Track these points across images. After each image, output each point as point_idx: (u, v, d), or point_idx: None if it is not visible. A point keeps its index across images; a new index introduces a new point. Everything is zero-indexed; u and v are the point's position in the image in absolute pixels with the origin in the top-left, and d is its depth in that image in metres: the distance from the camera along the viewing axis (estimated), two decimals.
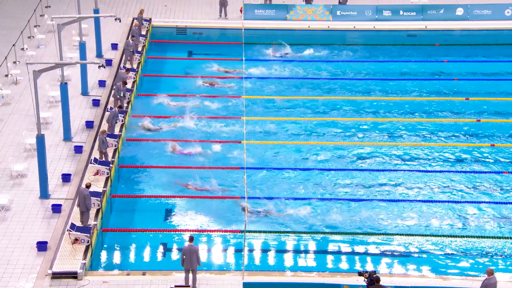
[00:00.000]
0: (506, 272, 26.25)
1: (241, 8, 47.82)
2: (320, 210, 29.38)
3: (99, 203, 27.83)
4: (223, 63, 42.21)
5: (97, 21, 40.49)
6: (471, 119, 36.98)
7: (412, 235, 27.90)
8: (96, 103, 36.35)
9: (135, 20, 44.44)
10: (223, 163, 32.53)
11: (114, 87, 35.53)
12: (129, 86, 37.23)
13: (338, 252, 27.34)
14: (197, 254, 23.78)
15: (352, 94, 39.57)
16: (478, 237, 27.83)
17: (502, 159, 33.41)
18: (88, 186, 26.92)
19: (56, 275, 24.52)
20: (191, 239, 23.95)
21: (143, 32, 43.95)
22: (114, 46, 42.73)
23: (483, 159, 33.34)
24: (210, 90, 39.31)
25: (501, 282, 24.53)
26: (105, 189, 29.27)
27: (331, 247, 27.56)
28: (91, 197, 26.89)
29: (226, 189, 30.56)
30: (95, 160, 30.45)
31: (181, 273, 24.34)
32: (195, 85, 39.58)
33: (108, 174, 30.05)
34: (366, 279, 22.59)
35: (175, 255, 26.95)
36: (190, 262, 23.77)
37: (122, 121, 34.30)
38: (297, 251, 27.41)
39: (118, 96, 35.12)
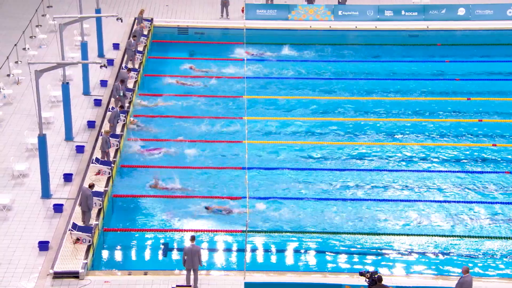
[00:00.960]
0: (507, 270, 26.23)
1: (243, 8, 47.80)
2: (320, 210, 29.37)
3: (101, 202, 27.84)
4: (196, 62, 42.39)
5: (98, 21, 40.53)
6: (473, 119, 36.96)
7: (412, 235, 27.88)
8: (97, 103, 36.37)
9: (137, 21, 44.47)
10: (224, 163, 32.55)
11: (113, 87, 35.57)
12: (130, 86, 37.26)
13: (340, 252, 27.30)
14: (199, 254, 23.78)
15: (353, 94, 39.55)
16: (478, 237, 27.79)
17: (503, 159, 33.39)
18: (91, 186, 26.93)
19: (58, 275, 24.51)
20: (193, 238, 23.95)
21: (145, 32, 43.98)
22: (116, 46, 42.75)
23: (484, 159, 33.31)
24: (209, 90, 39.46)
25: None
26: (106, 188, 29.28)
27: (333, 247, 27.53)
28: (93, 197, 26.91)
29: (226, 189, 30.63)
30: (97, 160, 30.47)
31: (183, 273, 24.34)
32: (165, 83, 39.79)
33: (109, 173, 30.07)
34: (367, 279, 22.57)
35: (176, 254, 26.95)
36: (192, 262, 23.78)
37: (124, 121, 34.33)
38: (298, 251, 27.40)
39: (117, 96, 35.12)
